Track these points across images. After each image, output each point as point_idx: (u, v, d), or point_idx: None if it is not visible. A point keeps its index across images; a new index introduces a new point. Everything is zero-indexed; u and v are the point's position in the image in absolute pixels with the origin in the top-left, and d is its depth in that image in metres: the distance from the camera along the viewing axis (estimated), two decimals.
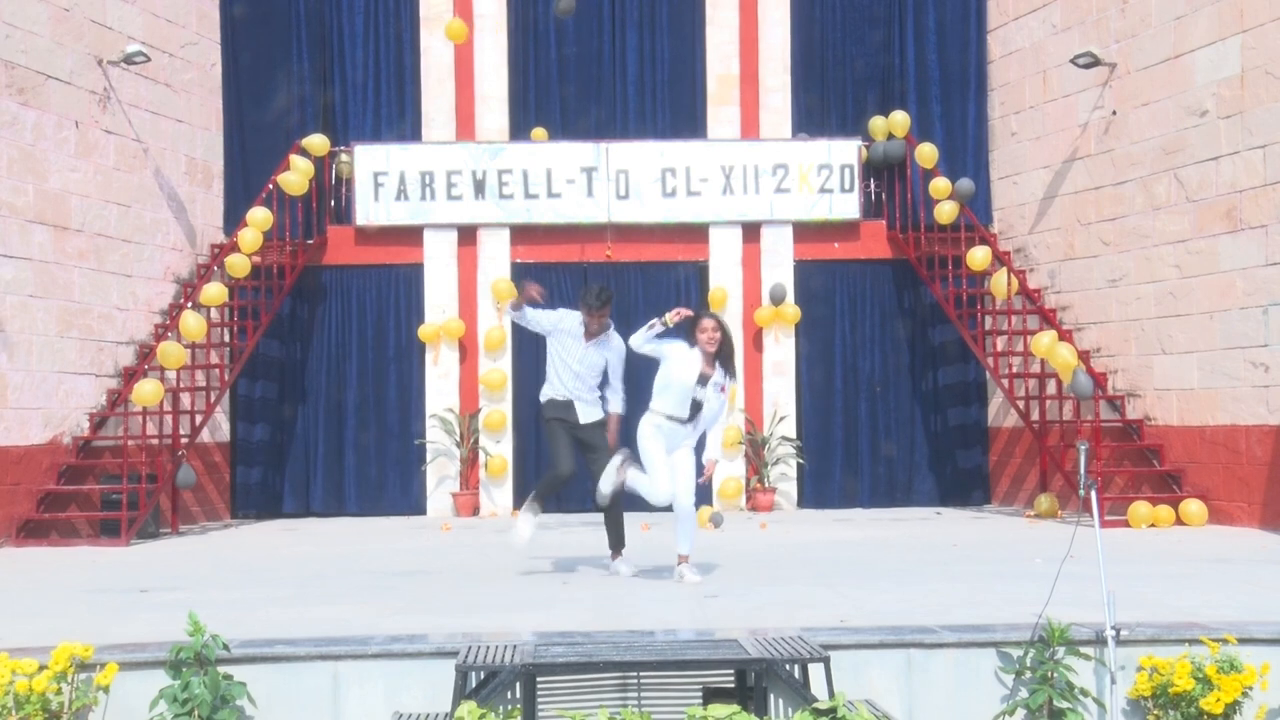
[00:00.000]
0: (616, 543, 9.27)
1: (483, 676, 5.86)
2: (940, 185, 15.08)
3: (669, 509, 8.73)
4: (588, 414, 9.12)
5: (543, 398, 9.25)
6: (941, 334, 15.71)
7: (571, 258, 15.43)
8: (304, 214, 15.26)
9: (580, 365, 9.08)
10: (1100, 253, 14.00)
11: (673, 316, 8.58)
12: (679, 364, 8.47)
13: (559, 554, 10.33)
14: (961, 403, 15.76)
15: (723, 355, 8.51)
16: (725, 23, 15.82)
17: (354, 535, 12.96)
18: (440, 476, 15.26)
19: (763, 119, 15.76)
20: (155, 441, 13.36)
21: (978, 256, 14.65)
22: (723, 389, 8.54)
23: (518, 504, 15.13)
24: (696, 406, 8.49)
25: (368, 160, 15.31)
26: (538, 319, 9.23)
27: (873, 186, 15.80)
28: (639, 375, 9.42)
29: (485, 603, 7.82)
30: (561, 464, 9.06)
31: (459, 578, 9.15)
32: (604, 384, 9.23)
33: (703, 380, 8.47)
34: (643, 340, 8.54)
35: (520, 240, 15.44)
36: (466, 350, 15.37)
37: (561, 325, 9.16)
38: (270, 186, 14.90)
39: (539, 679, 5.77)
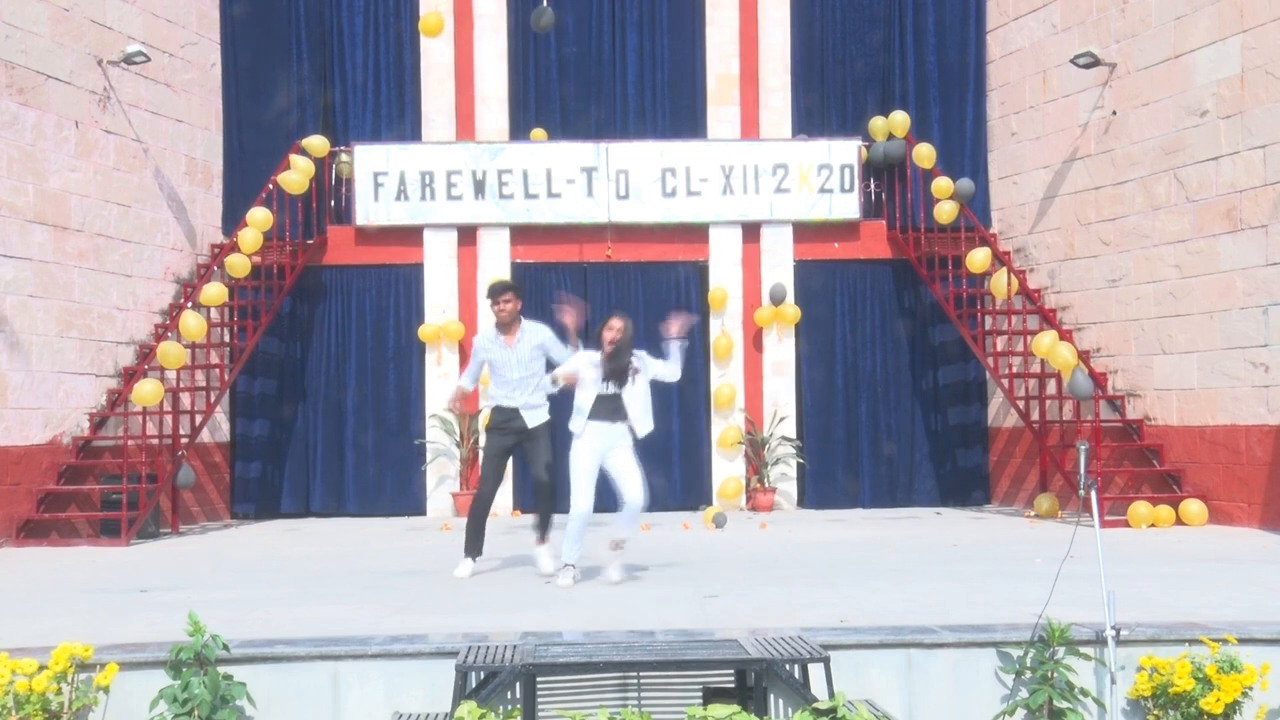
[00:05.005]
0: (541, 537, 9.28)
1: (483, 676, 5.86)
2: (941, 185, 15.08)
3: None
4: (535, 418, 9.08)
5: (487, 409, 9.35)
6: (941, 334, 15.71)
7: (571, 258, 15.43)
8: (304, 214, 15.26)
9: (514, 372, 9.00)
10: (1100, 253, 14.00)
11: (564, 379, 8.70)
12: (584, 367, 8.58)
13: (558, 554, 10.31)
14: (961, 403, 15.76)
15: (619, 351, 8.52)
16: (725, 23, 15.81)
17: (354, 535, 12.96)
18: (440, 476, 15.26)
19: (763, 119, 15.76)
20: (155, 441, 13.36)
21: (978, 258, 14.65)
22: (637, 370, 8.59)
23: (517, 504, 15.15)
24: (614, 402, 8.51)
25: (368, 160, 15.31)
26: (476, 369, 9.27)
27: (873, 186, 15.80)
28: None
29: (485, 603, 7.82)
30: (487, 485, 9.15)
31: (459, 577, 9.14)
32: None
33: (612, 375, 8.50)
34: (556, 385, 8.68)
35: (520, 240, 15.44)
36: (466, 350, 15.36)
37: (486, 352, 9.11)
38: (270, 186, 14.90)
39: (539, 679, 5.77)
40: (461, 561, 9.17)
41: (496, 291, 9.13)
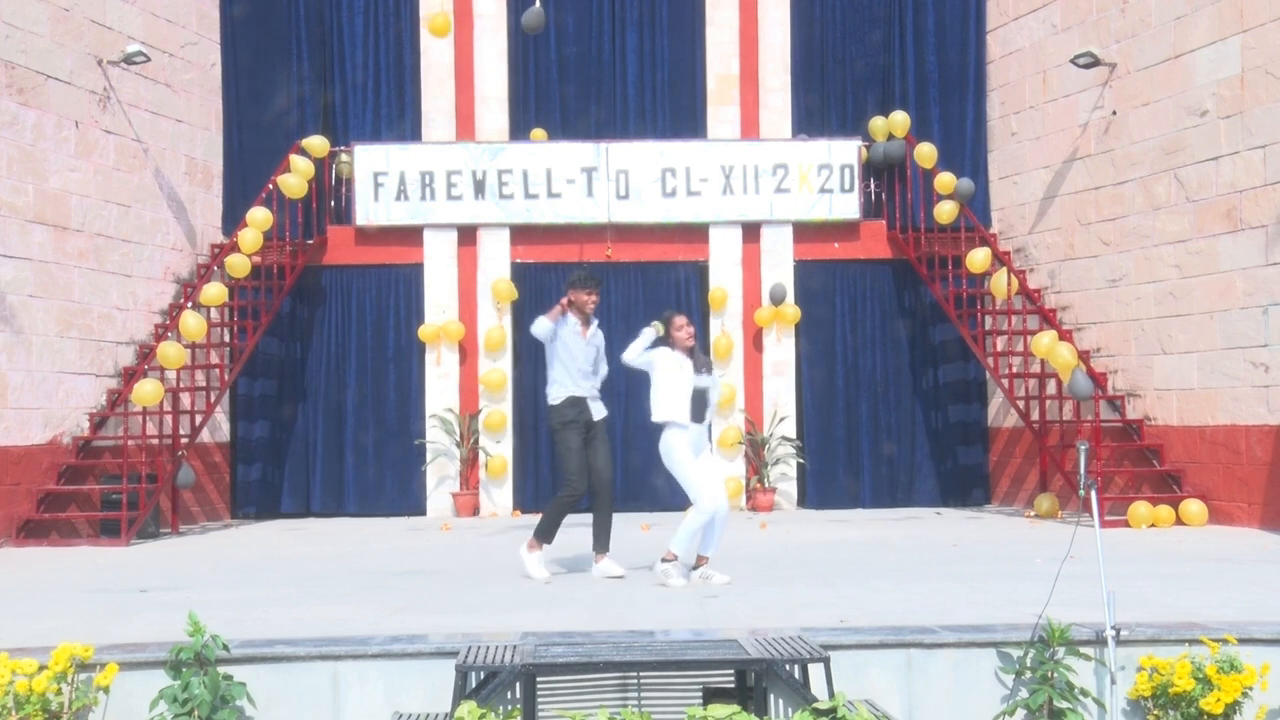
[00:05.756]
0: (603, 545, 9.08)
1: (483, 676, 5.86)
2: (944, 179, 15.07)
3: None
4: (599, 410, 9.12)
5: (555, 400, 9.03)
6: (941, 334, 15.71)
7: (571, 258, 15.40)
8: (304, 214, 15.26)
9: (585, 364, 9.05)
10: (1100, 253, 14.00)
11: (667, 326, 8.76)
12: (676, 368, 8.60)
13: (557, 554, 10.32)
14: (962, 402, 15.75)
15: (695, 349, 8.76)
16: (725, 23, 15.81)
17: (354, 535, 12.96)
18: (440, 476, 15.26)
19: (763, 119, 15.76)
20: (155, 441, 13.36)
21: (977, 259, 14.65)
22: (708, 373, 8.79)
23: (518, 504, 15.16)
24: (700, 402, 8.62)
25: (368, 160, 15.31)
26: (545, 334, 9.07)
27: (873, 186, 15.80)
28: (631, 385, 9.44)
29: (485, 603, 7.82)
30: (581, 481, 8.90)
31: (459, 578, 9.15)
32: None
33: (695, 371, 8.65)
34: (639, 353, 8.71)
35: (520, 240, 15.43)
36: (466, 350, 15.36)
37: (561, 329, 9.07)
38: (270, 186, 14.90)
39: (539, 679, 5.77)
40: (529, 557, 8.95)
41: (594, 283, 9.15)
